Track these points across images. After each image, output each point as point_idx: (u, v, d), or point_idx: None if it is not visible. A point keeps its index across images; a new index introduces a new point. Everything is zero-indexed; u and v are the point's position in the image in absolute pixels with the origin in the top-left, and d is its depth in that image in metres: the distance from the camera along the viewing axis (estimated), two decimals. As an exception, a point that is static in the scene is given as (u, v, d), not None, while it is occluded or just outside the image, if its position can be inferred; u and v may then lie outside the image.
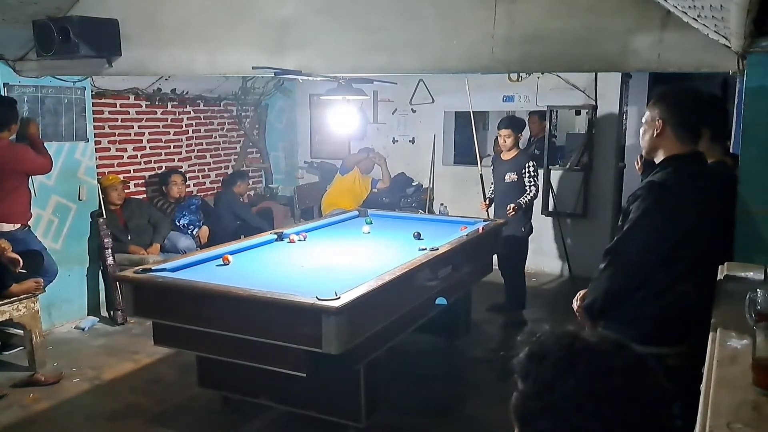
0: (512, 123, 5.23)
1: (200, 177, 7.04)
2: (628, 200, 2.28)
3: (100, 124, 5.72)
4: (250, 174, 7.57)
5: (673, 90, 2.40)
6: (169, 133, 6.58)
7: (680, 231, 2.16)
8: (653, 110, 2.27)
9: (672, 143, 2.23)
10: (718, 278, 2.11)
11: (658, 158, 2.27)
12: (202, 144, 7.03)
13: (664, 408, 0.87)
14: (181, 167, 6.65)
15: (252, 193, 7.53)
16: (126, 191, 5.77)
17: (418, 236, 4.29)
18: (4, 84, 4.65)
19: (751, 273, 2.11)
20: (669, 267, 2.17)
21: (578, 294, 2.39)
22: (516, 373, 0.92)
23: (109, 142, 5.91)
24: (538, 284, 6.50)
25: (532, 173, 5.08)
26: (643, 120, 2.33)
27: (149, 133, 6.34)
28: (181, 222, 5.95)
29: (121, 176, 5.79)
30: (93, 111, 5.36)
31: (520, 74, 6.46)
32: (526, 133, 7.63)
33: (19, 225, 4.46)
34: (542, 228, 6.67)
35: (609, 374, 0.86)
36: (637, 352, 0.91)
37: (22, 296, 4.19)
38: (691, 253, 2.17)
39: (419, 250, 3.86)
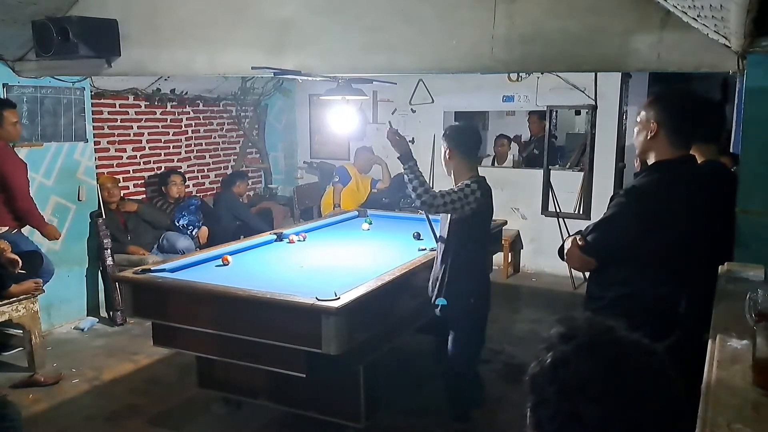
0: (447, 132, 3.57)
1: (199, 177, 7.04)
2: (610, 199, 2.28)
3: (100, 124, 5.72)
4: (250, 174, 7.57)
5: (670, 92, 2.37)
6: (168, 133, 6.57)
7: (654, 237, 2.13)
8: (648, 111, 2.23)
9: (664, 147, 2.19)
10: (718, 279, 2.11)
11: (650, 161, 2.25)
12: (201, 144, 7.02)
13: (670, 422, 0.87)
14: (181, 167, 6.64)
15: (251, 193, 7.52)
16: (125, 191, 5.76)
17: (417, 236, 4.29)
18: (3, 84, 4.64)
19: (751, 273, 2.11)
20: (644, 272, 2.16)
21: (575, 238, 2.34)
22: (543, 345, 0.93)
23: (108, 142, 5.91)
24: (538, 284, 6.51)
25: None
26: (638, 119, 2.29)
27: (148, 134, 6.33)
28: (181, 222, 5.95)
29: (120, 176, 5.79)
30: (92, 111, 5.36)
31: (520, 74, 6.46)
32: (526, 133, 7.66)
33: (7, 227, 4.38)
34: (542, 228, 6.68)
35: (625, 370, 0.87)
36: (665, 364, 0.91)
37: (21, 297, 4.18)
38: (670, 258, 2.14)
39: (419, 250, 3.86)
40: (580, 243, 2.25)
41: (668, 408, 0.87)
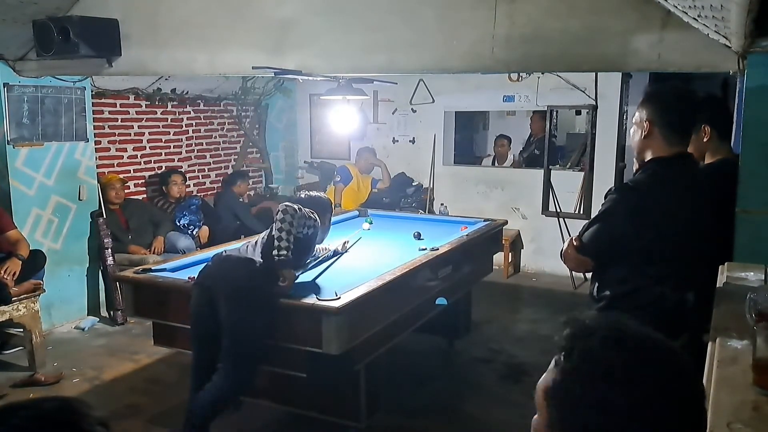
0: None
1: (200, 177, 7.04)
2: (604, 197, 2.28)
3: (100, 124, 5.72)
4: (250, 174, 7.58)
5: (661, 90, 2.35)
6: (169, 133, 6.58)
7: (646, 234, 2.13)
8: (641, 111, 2.23)
9: (659, 145, 2.19)
10: (718, 279, 2.11)
11: (647, 160, 2.25)
12: (202, 144, 7.03)
13: (695, 420, 0.88)
14: (181, 167, 6.65)
15: (252, 192, 7.52)
16: (126, 191, 5.77)
17: (418, 236, 4.29)
18: (4, 84, 4.65)
19: (751, 273, 2.11)
20: (641, 270, 2.16)
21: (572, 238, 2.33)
22: (558, 350, 0.92)
23: (109, 142, 5.91)
24: (538, 284, 6.51)
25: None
26: (633, 120, 2.29)
27: (149, 133, 6.34)
28: (182, 222, 5.95)
29: (121, 176, 5.80)
30: (93, 111, 5.36)
31: (521, 74, 6.46)
32: (526, 133, 7.66)
33: None
34: (542, 228, 6.69)
35: (650, 361, 0.87)
36: (689, 361, 0.92)
37: (22, 296, 4.19)
38: (664, 255, 2.14)
39: (419, 250, 3.86)
40: (575, 243, 2.25)
41: (692, 404, 0.88)
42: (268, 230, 3.19)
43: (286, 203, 3.10)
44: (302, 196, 3.34)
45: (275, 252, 2.94)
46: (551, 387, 0.90)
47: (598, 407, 0.85)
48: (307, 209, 3.13)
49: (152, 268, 3.52)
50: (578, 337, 0.91)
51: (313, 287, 3.14)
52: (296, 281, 3.05)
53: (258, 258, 3.09)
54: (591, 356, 0.88)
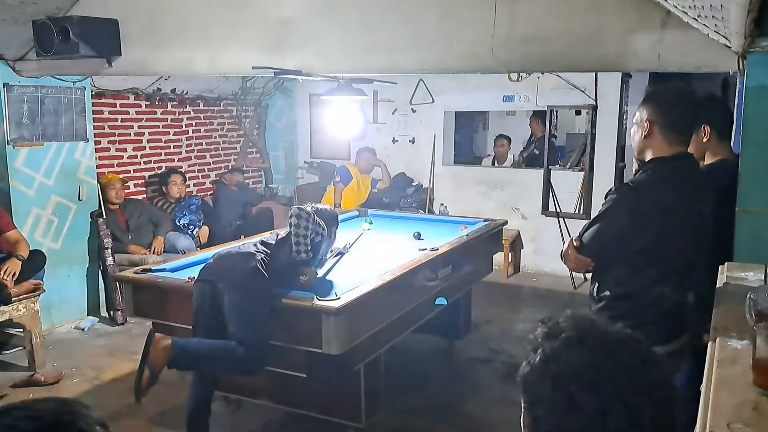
0: None
1: (200, 177, 7.04)
2: (604, 197, 2.28)
3: (100, 124, 5.72)
4: (251, 173, 7.57)
5: (661, 89, 2.35)
6: (168, 133, 6.58)
7: (647, 234, 2.12)
8: (641, 111, 2.22)
9: (660, 145, 2.18)
10: (718, 279, 2.11)
11: (647, 159, 2.24)
12: (202, 144, 7.03)
13: (666, 405, 0.88)
14: (181, 167, 6.65)
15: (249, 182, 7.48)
16: (126, 191, 5.77)
17: (418, 236, 4.29)
18: (4, 84, 4.65)
19: (751, 273, 2.11)
20: (641, 270, 2.16)
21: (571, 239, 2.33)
22: (530, 347, 0.95)
23: (108, 142, 5.91)
24: (538, 284, 6.51)
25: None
26: (634, 120, 2.28)
27: (149, 133, 6.34)
28: (182, 222, 5.95)
29: (120, 176, 5.80)
30: (93, 111, 5.36)
31: (521, 74, 6.46)
32: (526, 133, 7.67)
33: None
34: (542, 228, 6.69)
35: (615, 355, 0.89)
36: (651, 349, 0.93)
37: (21, 296, 4.19)
38: (665, 256, 2.14)
39: (419, 250, 3.86)
40: (575, 243, 2.25)
41: (661, 389, 0.89)
42: (275, 234, 3.30)
43: (299, 206, 3.20)
44: (309, 209, 3.39)
45: (295, 254, 3.07)
46: (521, 384, 0.94)
47: (569, 407, 0.86)
48: (317, 217, 3.18)
49: (152, 268, 3.52)
50: (548, 336, 0.93)
51: (313, 287, 3.14)
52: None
53: (260, 255, 3.13)
54: (555, 356, 0.90)
